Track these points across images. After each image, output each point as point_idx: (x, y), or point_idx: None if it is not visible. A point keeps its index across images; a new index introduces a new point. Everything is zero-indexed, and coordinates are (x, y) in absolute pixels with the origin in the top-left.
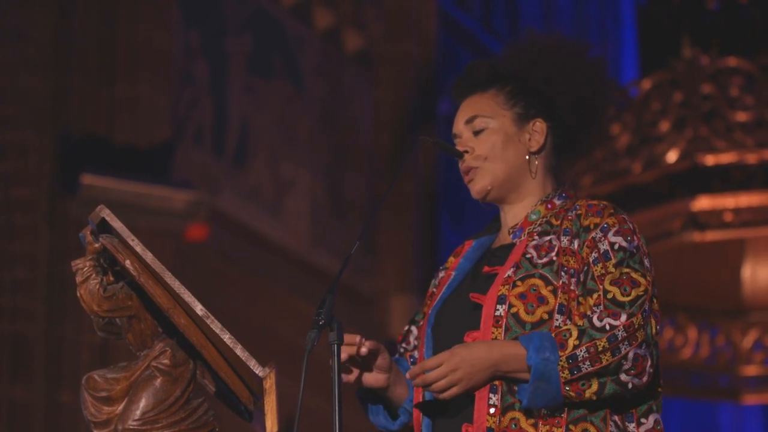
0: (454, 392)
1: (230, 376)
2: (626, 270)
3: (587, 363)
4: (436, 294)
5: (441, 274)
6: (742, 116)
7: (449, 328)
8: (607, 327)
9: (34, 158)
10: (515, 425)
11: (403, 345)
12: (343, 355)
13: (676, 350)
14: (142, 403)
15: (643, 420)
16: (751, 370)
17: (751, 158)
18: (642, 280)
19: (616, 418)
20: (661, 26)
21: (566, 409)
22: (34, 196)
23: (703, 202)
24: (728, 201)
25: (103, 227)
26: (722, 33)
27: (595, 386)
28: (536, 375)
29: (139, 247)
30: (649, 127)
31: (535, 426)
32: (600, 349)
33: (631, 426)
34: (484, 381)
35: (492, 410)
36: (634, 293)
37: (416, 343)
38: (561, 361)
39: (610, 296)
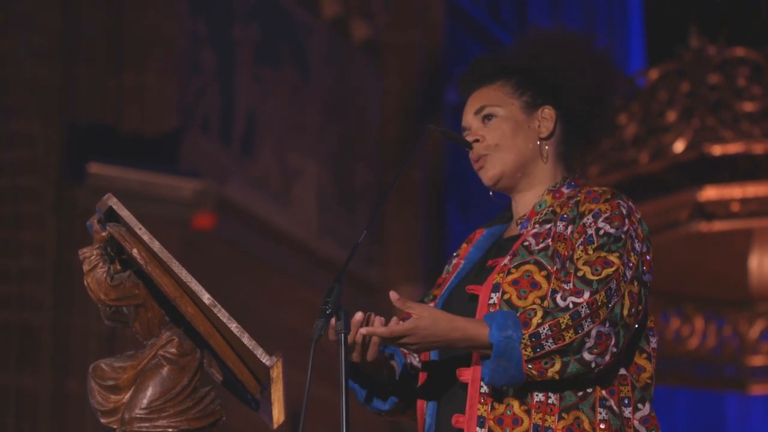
0: (411, 350)
1: (237, 365)
2: (604, 254)
3: (550, 341)
4: (446, 281)
5: (454, 261)
6: (749, 106)
7: None
8: (571, 305)
9: (42, 147)
10: (510, 411)
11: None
12: (355, 336)
13: (682, 340)
14: (149, 392)
15: (640, 406)
16: (757, 361)
17: (758, 148)
18: (616, 260)
19: (611, 403)
20: (669, 16)
21: (559, 396)
22: (41, 185)
23: (709, 192)
24: (735, 191)
25: (111, 216)
26: (729, 23)
27: (558, 365)
28: (497, 353)
29: (146, 236)
30: (656, 117)
31: (527, 413)
32: (563, 326)
33: (627, 411)
34: (435, 349)
35: (482, 399)
36: (604, 273)
37: None
38: (524, 339)
39: (580, 274)
